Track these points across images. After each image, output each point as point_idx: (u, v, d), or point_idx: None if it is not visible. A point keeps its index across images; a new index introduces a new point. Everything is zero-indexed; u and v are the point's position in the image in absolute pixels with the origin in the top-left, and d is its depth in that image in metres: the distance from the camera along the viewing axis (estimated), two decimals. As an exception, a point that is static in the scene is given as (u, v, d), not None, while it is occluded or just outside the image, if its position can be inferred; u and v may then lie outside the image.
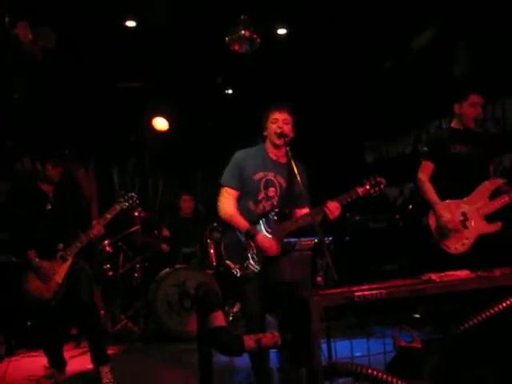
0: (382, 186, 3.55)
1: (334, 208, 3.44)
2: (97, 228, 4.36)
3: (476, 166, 4.18)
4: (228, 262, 3.52)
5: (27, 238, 4.32)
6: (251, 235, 3.51)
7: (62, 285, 4.23)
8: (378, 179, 3.55)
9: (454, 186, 4.12)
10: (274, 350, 3.45)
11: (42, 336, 4.61)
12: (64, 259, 4.26)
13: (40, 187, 4.42)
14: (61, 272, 4.24)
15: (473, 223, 4.06)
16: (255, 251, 3.49)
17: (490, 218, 4.09)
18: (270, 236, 3.53)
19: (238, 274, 3.47)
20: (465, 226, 4.07)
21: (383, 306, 4.53)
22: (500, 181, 4.18)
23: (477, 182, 4.15)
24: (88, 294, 4.46)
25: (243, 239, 3.53)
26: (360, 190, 3.54)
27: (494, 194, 4.14)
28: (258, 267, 3.47)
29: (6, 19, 4.89)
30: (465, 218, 4.08)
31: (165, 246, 6.70)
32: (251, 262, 3.47)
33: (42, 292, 4.20)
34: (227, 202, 3.66)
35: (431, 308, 4.87)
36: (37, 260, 4.20)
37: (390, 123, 7.59)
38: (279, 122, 3.65)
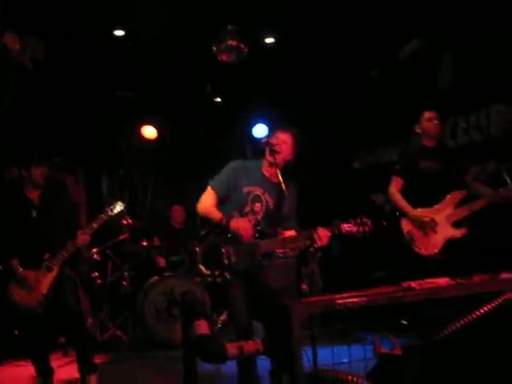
0: (366, 228, 3.50)
1: (323, 236, 3.45)
2: (82, 237, 4.27)
3: (442, 180, 4.54)
4: (200, 266, 3.55)
5: (11, 246, 4.25)
6: (225, 222, 3.51)
7: (48, 294, 4.17)
8: (364, 219, 3.53)
9: (422, 199, 4.53)
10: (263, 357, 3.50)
11: (29, 345, 4.54)
12: (49, 269, 4.19)
13: (25, 195, 4.36)
14: (46, 282, 4.17)
15: (441, 228, 4.47)
16: (230, 259, 3.50)
17: (457, 225, 4.48)
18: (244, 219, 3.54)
19: (208, 280, 3.49)
20: (434, 231, 4.46)
21: (369, 312, 4.59)
22: (463, 192, 4.53)
23: (443, 194, 4.54)
24: (74, 302, 4.39)
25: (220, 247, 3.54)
26: (344, 227, 3.52)
27: (461, 203, 4.52)
28: (228, 276, 3.46)
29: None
30: (434, 223, 4.46)
31: (161, 261, 6.71)
32: (224, 267, 3.48)
33: (27, 302, 4.15)
34: (206, 199, 3.72)
35: (418, 314, 4.93)
36: (20, 270, 4.16)
37: (379, 131, 7.64)
38: (278, 139, 3.69)
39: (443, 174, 4.55)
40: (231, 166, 3.78)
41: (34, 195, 4.38)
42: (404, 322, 5.37)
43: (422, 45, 6.59)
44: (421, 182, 4.54)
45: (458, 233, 4.45)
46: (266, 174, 3.77)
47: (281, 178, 3.62)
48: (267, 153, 3.67)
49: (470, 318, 2.34)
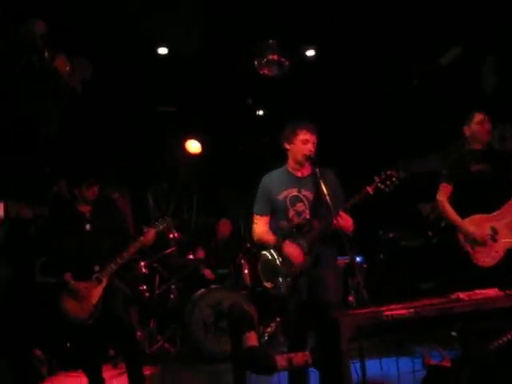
0: (394, 180, 3.49)
1: (343, 219, 3.44)
2: (131, 250, 4.35)
3: (498, 183, 4.26)
4: (265, 283, 3.59)
5: (65, 259, 4.34)
6: (278, 246, 3.59)
7: (97, 306, 4.24)
8: (389, 172, 3.52)
9: (477, 204, 4.24)
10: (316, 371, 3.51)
11: (81, 356, 4.66)
12: (99, 280, 4.26)
13: (77, 208, 4.46)
14: (96, 293, 4.24)
15: (502, 237, 4.16)
16: (285, 266, 3.55)
17: None
18: (296, 245, 3.57)
19: (274, 292, 3.53)
20: (494, 240, 4.16)
21: (418, 324, 4.53)
22: None
23: (501, 199, 4.24)
24: (124, 314, 4.50)
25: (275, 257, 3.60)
26: (370, 188, 3.52)
27: None
28: (290, 281, 3.51)
29: (46, 53, 5.07)
30: (494, 231, 4.17)
31: (208, 273, 6.81)
32: (284, 278, 3.53)
33: (77, 313, 4.22)
34: (257, 227, 3.82)
35: (468, 326, 4.84)
36: (72, 282, 4.23)
37: (423, 139, 7.58)
38: (309, 144, 3.69)
39: (495, 176, 4.27)
40: (261, 184, 3.86)
41: (85, 209, 4.47)
42: (454, 334, 5.28)
43: (463, 51, 6.52)
44: (472, 187, 4.27)
45: None
46: (293, 171, 3.80)
47: (314, 167, 3.64)
48: (300, 157, 3.70)
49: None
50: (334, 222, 3.42)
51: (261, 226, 3.81)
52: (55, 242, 4.41)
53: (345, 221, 3.46)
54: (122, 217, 4.82)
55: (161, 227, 4.53)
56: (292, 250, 3.56)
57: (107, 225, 4.48)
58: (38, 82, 5.15)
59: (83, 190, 4.40)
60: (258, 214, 3.83)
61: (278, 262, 3.58)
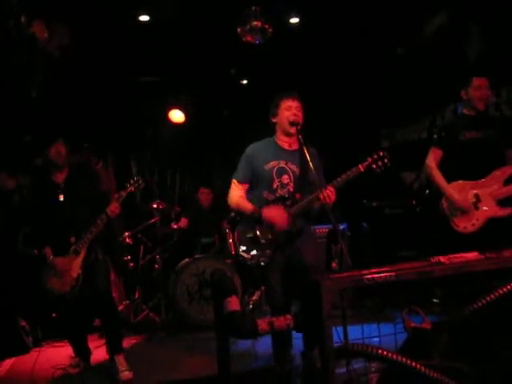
0: (385, 161, 3.53)
1: (328, 193, 3.46)
2: (112, 206, 4.27)
3: (489, 151, 4.19)
4: (242, 253, 3.61)
5: (43, 232, 4.36)
6: (258, 213, 3.61)
7: (78, 278, 4.25)
8: (382, 153, 3.55)
9: (466, 171, 4.20)
10: (299, 337, 3.56)
11: (66, 327, 4.70)
12: (77, 252, 4.24)
13: (51, 178, 4.40)
14: (75, 266, 4.24)
15: (484, 205, 4.14)
16: (265, 236, 3.56)
17: (502, 203, 4.14)
18: (277, 208, 3.61)
19: (251, 263, 3.55)
20: (476, 207, 4.16)
21: (399, 290, 4.58)
22: None
23: (490, 167, 4.19)
24: (105, 285, 4.45)
25: (255, 228, 3.61)
26: (361, 167, 3.55)
27: (510, 180, 4.17)
28: (269, 253, 3.55)
29: (23, 18, 4.97)
30: (477, 199, 4.16)
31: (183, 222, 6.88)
32: (263, 247, 3.55)
33: (59, 287, 4.25)
34: (234, 193, 3.83)
35: (449, 291, 4.90)
36: (51, 258, 4.25)
37: (406, 109, 7.57)
38: (293, 109, 3.73)
39: (486, 144, 4.18)
40: (246, 152, 3.86)
41: (59, 178, 4.40)
42: (435, 301, 5.35)
43: (447, 19, 6.48)
44: (463, 153, 4.19)
45: (502, 212, 4.11)
46: (284, 144, 3.82)
47: (301, 142, 3.66)
48: (285, 125, 3.72)
49: (499, 292, 2.33)
50: (320, 195, 3.44)
51: (236, 192, 3.82)
52: (34, 214, 4.42)
53: (331, 196, 3.47)
54: (98, 184, 4.79)
55: (132, 189, 4.47)
56: (274, 212, 3.58)
57: (82, 193, 4.42)
58: (15, 47, 5.05)
59: (50, 152, 4.33)
60: (237, 181, 3.84)
61: (257, 232, 3.59)
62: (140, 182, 4.49)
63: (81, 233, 4.25)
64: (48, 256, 4.26)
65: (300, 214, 3.65)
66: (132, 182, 4.46)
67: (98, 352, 4.91)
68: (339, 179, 3.54)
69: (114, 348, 4.37)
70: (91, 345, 4.86)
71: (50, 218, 4.33)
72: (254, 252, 3.56)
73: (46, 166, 4.51)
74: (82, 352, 4.64)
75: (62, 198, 4.35)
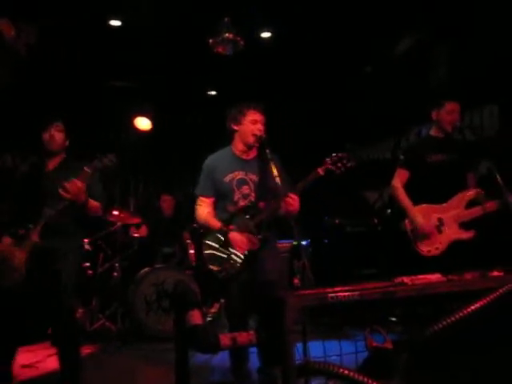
0: (345, 162, 3.50)
1: (289, 200, 3.41)
2: (71, 185, 3.56)
3: (453, 174, 4.23)
4: (211, 266, 3.58)
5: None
6: (224, 232, 3.58)
7: (21, 271, 3.57)
8: (340, 154, 3.52)
9: (430, 193, 4.22)
10: (254, 351, 3.53)
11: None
12: (22, 240, 3.59)
13: (43, 170, 3.89)
14: (20, 256, 3.57)
15: (447, 229, 4.16)
16: (232, 250, 3.56)
17: (465, 226, 4.17)
18: (241, 232, 3.58)
19: (222, 276, 3.52)
20: (440, 231, 4.17)
21: (359, 309, 4.61)
22: (476, 191, 4.22)
23: (453, 190, 4.23)
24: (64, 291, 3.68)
25: (221, 239, 3.59)
26: (320, 170, 3.52)
27: (472, 203, 4.21)
28: (238, 264, 3.52)
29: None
30: (440, 223, 4.18)
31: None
32: (232, 260, 3.52)
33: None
34: (201, 209, 3.79)
35: (407, 311, 4.94)
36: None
37: (371, 127, 7.68)
38: (258, 123, 3.70)
39: (452, 167, 4.21)
40: (205, 165, 3.82)
41: (49, 167, 3.93)
42: (393, 319, 5.40)
43: (415, 41, 6.61)
44: (429, 176, 4.21)
45: (465, 235, 4.13)
46: (240, 154, 3.79)
47: (262, 149, 3.65)
48: (249, 138, 3.69)
49: (462, 313, 2.35)
50: (282, 204, 3.43)
51: (205, 208, 3.78)
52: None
53: (293, 203, 3.42)
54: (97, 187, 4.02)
55: (100, 165, 3.71)
56: (237, 238, 3.57)
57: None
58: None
59: (43, 137, 3.87)
60: (201, 196, 3.80)
61: (224, 245, 3.57)
62: (111, 157, 3.76)
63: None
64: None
65: (265, 222, 3.62)
66: (101, 156, 3.73)
67: (50, 360, 4.77)
68: (299, 185, 3.50)
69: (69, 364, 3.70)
70: (43, 353, 4.72)
71: (20, 203, 3.81)
72: (221, 265, 3.53)
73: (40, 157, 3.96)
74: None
75: (46, 186, 3.77)
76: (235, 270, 3.51)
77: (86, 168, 3.61)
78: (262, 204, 3.65)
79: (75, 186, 3.54)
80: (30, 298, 3.69)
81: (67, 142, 4.03)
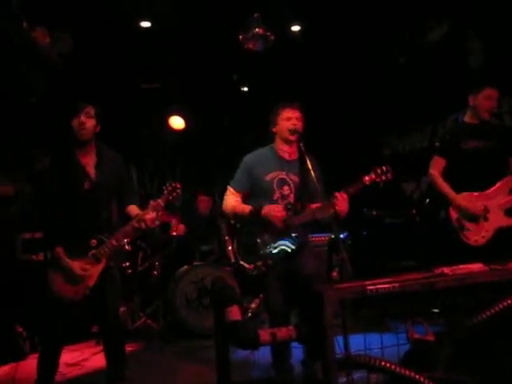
0: (389, 176, 3.55)
1: (341, 199, 3.43)
2: (150, 216, 3.54)
3: (492, 161, 4.13)
4: (242, 262, 3.58)
5: (58, 229, 3.56)
6: (257, 211, 3.57)
7: (94, 288, 3.52)
8: (385, 168, 3.56)
9: (469, 181, 4.12)
10: (298, 346, 3.52)
11: (53, 334, 3.66)
12: (97, 259, 3.51)
13: (78, 158, 3.61)
14: (93, 274, 3.49)
15: (493, 216, 4.07)
16: (267, 245, 3.54)
17: (510, 213, 4.09)
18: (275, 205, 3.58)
19: (253, 273, 3.52)
20: (485, 218, 4.07)
21: (399, 301, 4.55)
22: None
23: (494, 177, 4.14)
24: (115, 301, 3.69)
25: (256, 236, 3.58)
26: (366, 179, 3.55)
27: None
28: (270, 262, 3.51)
29: (24, 23, 4.96)
30: (485, 210, 4.08)
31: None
32: (263, 259, 3.52)
33: (72, 294, 3.49)
34: (229, 198, 3.79)
35: (449, 302, 4.86)
36: (66, 260, 3.46)
37: (408, 118, 7.58)
38: (293, 119, 3.71)
39: (489, 154, 4.12)
40: (245, 161, 3.81)
41: (87, 160, 3.62)
42: (435, 311, 5.32)
43: (449, 29, 6.48)
44: (465, 163, 4.12)
45: (510, 222, 4.05)
46: (283, 154, 3.79)
47: (302, 151, 3.66)
48: (285, 134, 3.70)
49: (503, 305, 2.31)
50: (335, 202, 3.42)
51: (231, 198, 3.78)
52: (52, 202, 3.60)
53: (343, 202, 3.44)
54: (129, 175, 3.95)
55: (165, 198, 3.67)
56: (272, 208, 3.56)
57: (112, 184, 3.68)
58: (15, 51, 5.04)
59: (73, 123, 3.59)
60: (234, 189, 3.79)
61: (258, 241, 3.57)
62: (177, 187, 3.72)
63: (103, 234, 3.54)
64: (60, 256, 3.46)
65: (302, 224, 3.62)
66: (169, 188, 3.69)
67: (94, 359, 4.86)
68: (350, 189, 3.51)
69: (115, 375, 3.67)
70: (88, 352, 4.80)
71: (69, 211, 3.56)
72: (255, 261, 3.53)
73: (67, 144, 3.68)
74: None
75: (87, 185, 3.57)
76: (266, 266, 3.51)
77: (160, 201, 3.63)
78: (299, 206, 3.64)
79: (153, 220, 3.57)
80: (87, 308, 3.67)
81: (98, 128, 3.72)
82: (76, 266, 3.47)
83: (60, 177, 3.58)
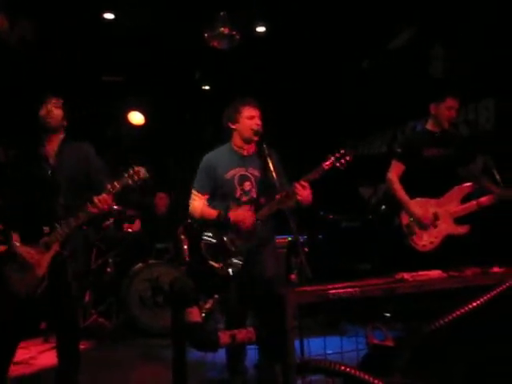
0: (347, 158, 3.50)
1: (301, 187, 3.42)
2: (103, 199, 3.34)
3: (448, 169, 4.23)
4: (211, 262, 3.54)
5: (14, 214, 3.45)
6: (223, 216, 3.57)
7: (43, 279, 3.34)
8: (342, 151, 3.52)
9: (425, 187, 4.20)
10: (252, 348, 3.50)
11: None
12: (47, 247, 3.34)
13: (39, 149, 3.55)
14: (42, 263, 3.33)
15: (442, 223, 4.17)
16: (235, 243, 3.53)
17: (459, 221, 4.19)
18: (241, 208, 3.59)
19: (223, 273, 3.50)
20: (434, 226, 4.16)
21: (354, 305, 4.59)
22: (471, 185, 4.23)
23: (449, 185, 4.23)
24: (69, 294, 3.46)
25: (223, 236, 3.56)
26: (326, 164, 3.51)
27: (467, 198, 4.22)
28: (240, 261, 3.51)
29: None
30: (435, 217, 4.16)
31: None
32: (233, 259, 3.50)
33: (23, 288, 3.33)
34: (196, 203, 3.76)
35: (401, 307, 4.92)
36: (18, 245, 3.33)
37: (367, 122, 7.66)
38: (256, 118, 3.70)
39: (447, 161, 4.20)
40: (204, 161, 3.79)
41: (49, 148, 3.57)
42: (387, 315, 5.38)
43: (412, 36, 6.59)
44: (424, 169, 4.17)
45: (460, 230, 4.15)
46: (241, 151, 3.78)
47: (259, 147, 3.68)
48: (248, 133, 3.68)
49: (463, 309, 2.33)
50: (296, 191, 3.41)
51: (198, 202, 3.75)
52: (11, 188, 3.53)
53: (304, 190, 3.43)
54: (93, 165, 3.70)
55: (124, 181, 3.43)
56: (241, 213, 3.55)
57: (72, 173, 3.55)
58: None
59: (41, 112, 3.52)
60: (198, 191, 3.77)
61: (224, 239, 3.55)
62: (139, 172, 3.48)
63: (59, 222, 3.36)
64: (13, 244, 3.33)
65: (266, 218, 3.60)
66: (130, 172, 3.45)
67: (43, 357, 4.73)
68: (310, 176, 3.48)
69: (66, 375, 3.48)
70: (35, 350, 4.66)
71: (27, 198, 3.48)
72: (223, 261, 3.50)
73: (32, 134, 3.62)
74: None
75: (45, 173, 3.49)
76: (235, 266, 3.49)
77: (116, 183, 3.41)
78: (262, 200, 3.63)
79: (106, 202, 3.37)
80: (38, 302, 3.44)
81: (66, 122, 3.66)
82: (25, 251, 3.32)
83: (20, 166, 3.52)
